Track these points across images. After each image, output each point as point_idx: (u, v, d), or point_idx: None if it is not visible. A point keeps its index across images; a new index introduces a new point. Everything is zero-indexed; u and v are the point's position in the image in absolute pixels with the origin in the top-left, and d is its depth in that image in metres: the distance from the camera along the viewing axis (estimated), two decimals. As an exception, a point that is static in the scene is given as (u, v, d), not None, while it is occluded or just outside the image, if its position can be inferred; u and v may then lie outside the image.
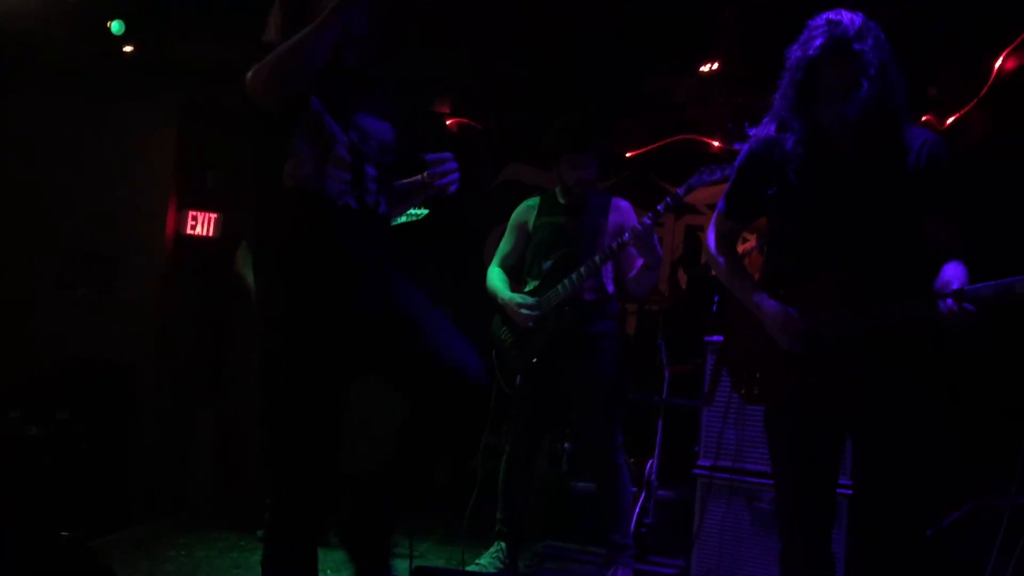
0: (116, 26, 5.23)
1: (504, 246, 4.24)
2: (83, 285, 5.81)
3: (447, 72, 5.89)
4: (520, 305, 3.92)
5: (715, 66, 5.45)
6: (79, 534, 3.66)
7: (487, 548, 4.07)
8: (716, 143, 5.59)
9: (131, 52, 5.47)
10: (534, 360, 3.92)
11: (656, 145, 5.81)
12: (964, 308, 2.19)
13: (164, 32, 5.40)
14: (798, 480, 2.55)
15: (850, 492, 3.02)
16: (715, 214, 2.77)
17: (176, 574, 3.81)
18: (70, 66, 5.68)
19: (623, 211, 4.05)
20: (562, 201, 4.10)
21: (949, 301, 2.21)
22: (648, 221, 3.68)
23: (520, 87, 5.92)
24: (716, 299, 4.52)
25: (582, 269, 3.84)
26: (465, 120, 6.06)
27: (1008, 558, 2.98)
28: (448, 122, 6.05)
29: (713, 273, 2.79)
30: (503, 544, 4.03)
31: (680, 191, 3.70)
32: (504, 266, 4.19)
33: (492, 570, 3.95)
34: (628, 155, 5.87)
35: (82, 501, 4.75)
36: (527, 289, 4.06)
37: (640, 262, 3.90)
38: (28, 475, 4.74)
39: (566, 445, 4.79)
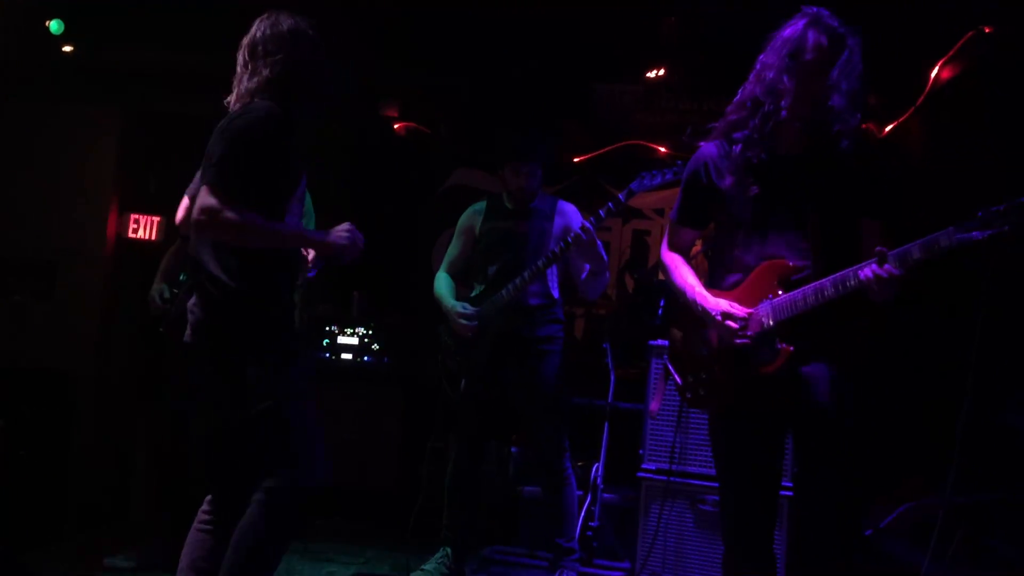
0: (55, 26, 5.13)
1: (452, 251, 4.24)
2: (20, 291, 5.67)
3: (396, 77, 5.88)
4: (459, 315, 3.91)
5: (661, 72, 5.50)
6: (15, 545, 3.58)
7: (433, 554, 4.06)
8: (662, 148, 5.64)
9: (71, 53, 5.35)
10: (479, 365, 3.92)
11: (603, 151, 5.85)
12: (888, 271, 2.26)
13: (105, 34, 5.31)
14: (742, 483, 2.58)
15: (791, 494, 3.08)
16: (669, 225, 2.83)
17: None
18: (6, 66, 5.54)
19: (568, 214, 4.07)
20: (508, 206, 4.11)
21: (873, 265, 2.28)
22: (589, 226, 3.70)
23: (469, 92, 5.92)
24: (662, 303, 4.56)
25: (526, 274, 3.85)
26: (413, 125, 6.04)
27: (942, 558, 3.04)
28: (396, 127, 6.03)
29: (660, 277, 2.84)
30: (448, 549, 4.01)
31: (621, 196, 3.73)
32: (452, 271, 4.19)
33: (437, 576, 3.94)
34: (575, 160, 5.90)
35: (19, 511, 4.63)
36: (473, 294, 4.06)
37: (588, 267, 3.93)
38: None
39: (513, 449, 4.79)
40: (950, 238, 2.20)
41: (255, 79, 2.67)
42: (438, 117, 6.05)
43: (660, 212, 5.86)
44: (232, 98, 2.74)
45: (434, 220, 5.95)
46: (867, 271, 2.30)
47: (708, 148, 2.68)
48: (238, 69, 2.74)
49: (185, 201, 3.45)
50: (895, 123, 4.77)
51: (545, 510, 4.06)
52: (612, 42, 5.34)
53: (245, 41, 2.73)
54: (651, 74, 5.51)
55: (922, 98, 4.68)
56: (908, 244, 2.26)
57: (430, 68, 5.71)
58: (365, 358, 5.48)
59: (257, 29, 2.72)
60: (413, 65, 5.64)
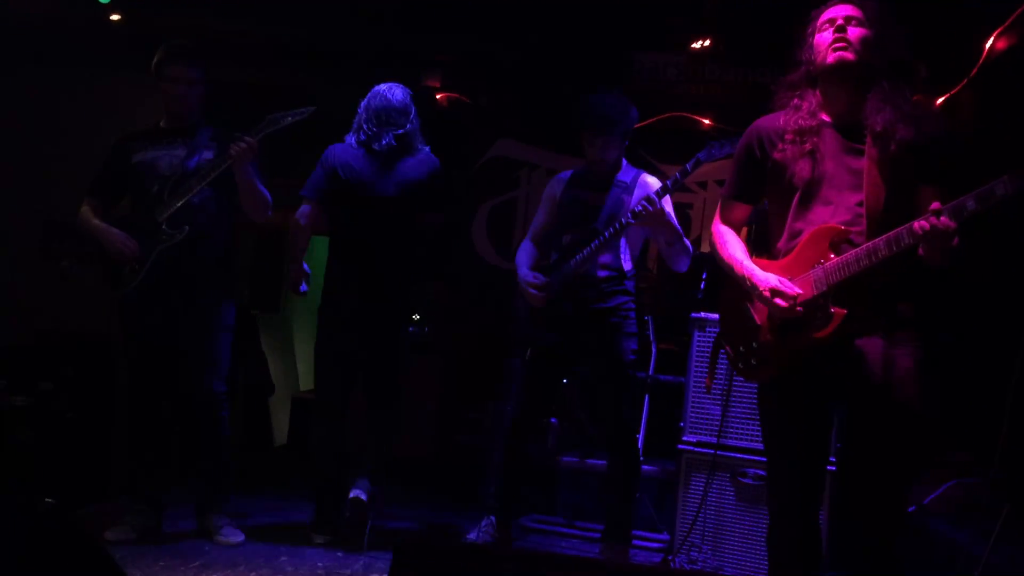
0: (103, -6, 5.17)
1: (536, 219, 4.12)
2: (67, 256, 5.75)
3: (438, 46, 5.86)
4: (529, 284, 3.86)
5: (706, 43, 5.42)
6: (62, 503, 3.65)
7: (474, 522, 4.07)
8: (707, 121, 5.56)
9: (118, 21, 5.39)
10: (544, 336, 3.86)
11: (646, 122, 5.77)
12: (944, 222, 2.20)
13: (151, 3, 5.34)
14: (789, 454, 2.56)
15: (833, 468, 3.04)
16: (721, 201, 2.78)
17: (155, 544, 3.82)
18: (55, 34, 5.59)
19: (649, 189, 3.94)
20: (589, 176, 4.03)
21: (929, 217, 2.23)
22: (653, 196, 3.58)
23: (511, 62, 5.88)
24: (704, 276, 4.52)
25: (594, 244, 3.74)
26: (455, 95, 6.02)
27: (987, 536, 3.00)
28: (438, 96, 6.01)
29: (702, 250, 2.81)
30: (493, 518, 4.01)
31: (688, 166, 3.56)
32: (535, 239, 4.07)
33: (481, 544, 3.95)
34: (618, 131, 5.84)
35: (66, 471, 4.73)
36: (549, 263, 3.98)
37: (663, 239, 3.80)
38: (12, 444, 4.73)
39: (552, 420, 4.78)
40: (1006, 186, 2.14)
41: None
42: (479, 87, 6.03)
43: (703, 185, 5.80)
44: None
45: (474, 191, 5.94)
46: (921, 222, 2.24)
47: (760, 120, 2.66)
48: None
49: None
50: (947, 95, 4.66)
51: (608, 480, 3.95)
52: (656, 11, 5.27)
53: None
54: (696, 45, 5.43)
55: (976, 70, 4.56)
56: (962, 196, 2.21)
57: (471, 37, 5.67)
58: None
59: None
60: (454, 34, 5.61)
